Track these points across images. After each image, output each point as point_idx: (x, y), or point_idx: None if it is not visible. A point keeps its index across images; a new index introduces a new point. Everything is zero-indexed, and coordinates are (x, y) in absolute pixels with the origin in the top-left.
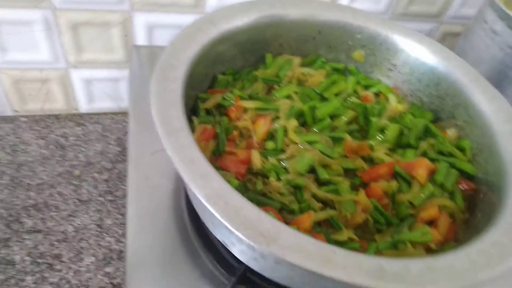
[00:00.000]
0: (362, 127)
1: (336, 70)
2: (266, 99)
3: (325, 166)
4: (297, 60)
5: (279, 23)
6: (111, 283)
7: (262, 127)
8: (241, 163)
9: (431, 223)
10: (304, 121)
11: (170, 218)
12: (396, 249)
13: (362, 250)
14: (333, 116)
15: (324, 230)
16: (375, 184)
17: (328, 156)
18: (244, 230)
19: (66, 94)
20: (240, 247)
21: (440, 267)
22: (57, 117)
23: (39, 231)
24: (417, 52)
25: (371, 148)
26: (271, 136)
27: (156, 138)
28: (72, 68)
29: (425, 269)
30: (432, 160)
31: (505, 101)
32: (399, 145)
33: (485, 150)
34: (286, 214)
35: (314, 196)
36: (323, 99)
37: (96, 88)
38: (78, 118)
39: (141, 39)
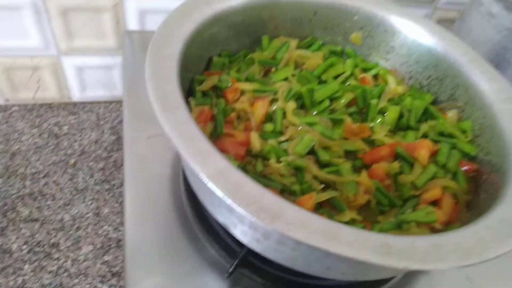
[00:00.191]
0: (361, 109)
1: (334, 52)
2: (263, 82)
3: (325, 148)
4: (294, 43)
5: (274, 3)
6: (110, 271)
7: (260, 109)
8: (240, 145)
9: (435, 204)
10: (303, 104)
11: (168, 203)
12: (400, 229)
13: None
14: (332, 99)
15: (327, 211)
16: (377, 165)
17: (328, 138)
18: (247, 206)
19: (58, 82)
20: (241, 228)
21: (447, 244)
22: (50, 106)
23: (35, 220)
24: (414, 33)
25: (371, 130)
26: (269, 118)
27: (152, 124)
28: (63, 55)
29: (432, 246)
30: (433, 141)
31: (505, 81)
32: (399, 127)
33: (487, 130)
34: (287, 196)
35: (315, 177)
36: (321, 82)
37: (89, 76)
38: (71, 107)
39: (133, 24)
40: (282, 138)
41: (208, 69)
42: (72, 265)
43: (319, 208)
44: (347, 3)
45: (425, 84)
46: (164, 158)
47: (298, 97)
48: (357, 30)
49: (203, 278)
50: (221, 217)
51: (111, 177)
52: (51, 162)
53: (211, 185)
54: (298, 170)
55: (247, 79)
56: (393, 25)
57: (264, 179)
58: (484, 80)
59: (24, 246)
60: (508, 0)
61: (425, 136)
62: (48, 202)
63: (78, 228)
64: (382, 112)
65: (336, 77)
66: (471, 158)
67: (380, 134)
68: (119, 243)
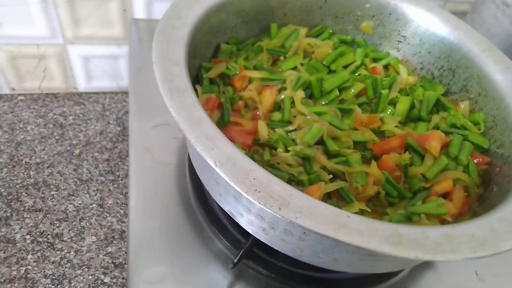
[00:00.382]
0: (371, 100)
1: (344, 42)
2: (271, 70)
3: (334, 138)
4: (303, 31)
5: None
6: (113, 262)
7: (268, 97)
8: (247, 134)
9: (445, 197)
10: (311, 94)
11: (173, 193)
12: (410, 221)
13: None
14: (341, 89)
15: (335, 202)
16: (387, 157)
17: (337, 128)
18: (255, 193)
19: (64, 72)
20: (248, 217)
21: (459, 235)
22: (55, 96)
23: (39, 210)
24: (427, 22)
25: (382, 120)
26: (277, 107)
27: (158, 114)
28: (69, 44)
29: (444, 237)
30: (445, 133)
31: None
32: (410, 118)
33: (500, 122)
34: (294, 186)
35: (324, 168)
36: (330, 71)
37: (95, 65)
38: (77, 97)
39: (140, 12)
40: (290, 128)
41: (215, 56)
42: (75, 256)
43: (327, 198)
44: None
45: (437, 75)
46: (169, 147)
47: (307, 87)
48: (368, 18)
49: (208, 269)
50: (227, 205)
51: (115, 168)
52: (56, 152)
53: (218, 170)
54: (306, 160)
55: (255, 68)
56: (406, 13)
57: (271, 168)
58: (498, 71)
59: (28, 236)
60: None
61: (436, 127)
62: (52, 193)
63: (81, 219)
64: (392, 103)
65: (345, 66)
66: (484, 151)
67: (391, 125)
68: (123, 235)
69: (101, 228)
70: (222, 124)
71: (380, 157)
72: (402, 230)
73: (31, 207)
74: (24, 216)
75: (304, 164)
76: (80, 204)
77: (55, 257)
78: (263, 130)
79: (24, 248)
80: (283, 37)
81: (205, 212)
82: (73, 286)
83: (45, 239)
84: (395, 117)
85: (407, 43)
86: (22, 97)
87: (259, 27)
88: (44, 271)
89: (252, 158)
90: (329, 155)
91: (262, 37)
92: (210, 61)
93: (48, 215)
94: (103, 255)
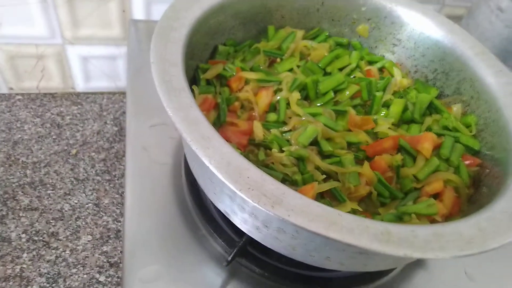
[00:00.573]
0: (366, 102)
1: (340, 44)
2: (268, 72)
3: (328, 139)
4: (300, 33)
5: None
6: (108, 262)
7: (264, 98)
8: (242, 134)
9: (436, 197)
10: (307, 95)
11: (169, 192)
12: (401, 221)
13: None
14: (336, 91)
15: (328, 201)
16: (379, 158)
17: (332, 129)
18: (248, 191)
19: (62, 72)
20: (242, 216)
21: (448, 233)
22: (53, 95)
23: (35, 209)
24: (422, 26)
25: (375, 122)
26: (273, 108)
27: (155, 114)
28: (68, 44)
29: (433, 235)
30: (437, 135)
31: (511, 74)
32: (403, 120)
33: (491, 124)
34: (288, 185)
35: (317, 168)
36: (326, 74)
37: (93, 66)
38: (75, 97)
39: (139, 13)
40: (285, 128)
41: (213, 57)
42: (70, 255)
43: (321, 198)
44: None
45: (431, 77)
46: (166, 147)
47: (302, 88)
48: (364, 22)
49: (203, 267)
50: (222, 204)
51: (112, 168)
52: (53, 151)
53: (213, 169)
54: (300, 160)
55: (252, 69)
56: (401, 17)
57: (266, 168)
58: (490, 74)
59: (23, 235)
60: None
61: (429, 129)
62: (49, 192)
63: (77, 218)
64: (386, 105)
65: (341, 69)
66: (475, 153)
67: (384, 127)
68: (118, 234)
69: (96, 228)
70: (218, 124)
71: (373, 158)
72: (392, 228)
73: (27, 206)
74: (20, 215)
75: (298, 164)
76: (76, 203)
77: (51, 256)
78: (259, 131)
79: (19, 247)
80: (280, 39)
81: (200, 212)
82: (68, 284)
83: (41, 238)
84: (389, 119)
85: (402, 46)
86: (20, 97)
87: (257, 29)
88: (39, 270)
89: (247, 158)
90: (323, 155)
91: (259, 39)
92: (207, 62)
93: (44, 214)
94: (99, 254)
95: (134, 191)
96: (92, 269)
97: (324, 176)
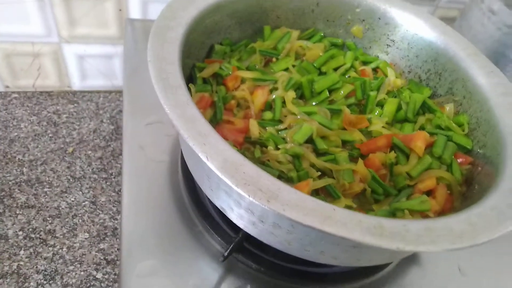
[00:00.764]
0: (360, 101)
1: (334, 45)
2: (263, 71)
3: (323, 137)
4: (295, 33)
5: None
6: (105, 259)
7: (260, 97)
8: (238, 132)
9: (429, 194)
10: (302, 94)
11: (166, 189)
12: (394, 217)
13: None
14: (331, 90)
15: (323, 198)
16: (373, 155)
17: (327, 127)
18: (244, 186)
19: (58, 70)
20: (238, 212)
21: (439, 228)
22: (49, 94)
23: (32, 207)
24: (415, 27)
25: (369, 121)
26: (269, 107)
27: (151, 112)
28: (65, 43)
29: (424, 230)
30: (430, 134)
31: (502, 75)
32: (397, 120)
33: (483, 124)
34: (284, 182)
35: (313, 165)
36: (321, 73)
37: (89, 64)
38: (71, 96)
39: (135, 13)
40: (281, 126)
41: (209, 56)
42: (67, 252)
43: (315, 195)
44: None
45: (424, 78)
46: (162, 145)
47: (297, 87)
48: (358, 23)
49: (199, 263)
50: (218, 200)
51: (108, 166)
52: (49, 149)
53: (209, 165)
54: (295, 158)
55: (248, 68)
56: (395, 18)
57: (262, 165)
58: (482, 75)
59: (20, 232)
60: None
61: (422, 128)
62: (45, 189)
63: (74, 216)
64: (380, 104)
65: (336, 69)
66: (467, 151)
67: (378, 126)
68: (115, 232)
69: (93, 225)
70: (215, 122)
71: (367, 156)
72: (385, 222)
73: (24, 203)
74: (17, 212)
75: (294, 161)
76: (73, 201)
77: (48, 253)
78: (255, 129)
79: (16, 244)
80: (276, 39)
81: (196, 208)
82: (65, 282)
83: (38, 235)
84: (383, 118)
85: (396, 47)
86: (16, 95)
87: (253, 29)
88: (37, 267)
89: (243, 155)
90: (318, 153)
91: (255, 38)
92: (203, 61)
93: (40, 212)
94: (95, 252)
95: (131, 189)
96: (89, 266)
97: (319, 173)
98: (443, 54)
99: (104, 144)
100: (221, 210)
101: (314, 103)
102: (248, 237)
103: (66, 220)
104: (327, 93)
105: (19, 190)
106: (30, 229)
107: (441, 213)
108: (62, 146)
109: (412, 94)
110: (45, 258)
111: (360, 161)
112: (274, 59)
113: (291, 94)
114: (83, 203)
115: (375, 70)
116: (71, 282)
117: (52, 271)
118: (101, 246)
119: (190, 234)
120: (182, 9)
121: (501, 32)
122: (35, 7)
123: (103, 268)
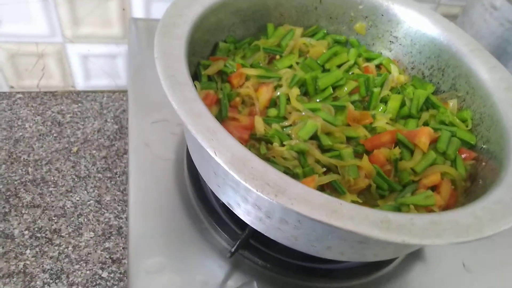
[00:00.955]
0: (364, 98)
1: (338, 42)
2: (267, 69)
3: (328, 134)
4: (299, 31)
5: None
6: (111, 258)
7: (264, 94)
8: (244, 129)
9: (433, 190)
10: (306, 91)
11: (172, 187)
12: (399, 211)
13: None
14: (335, 87)
15: (328, 193)
16: (378, 151)
17: (331, 124)
18: (252, 181)
19: (62, 70)
20: (245, 207)
21: (444, 221)
22: (53, 94)
23: (37, 206)
24: (418, 23)
25: (373, 117)
26: (273, 103)
27: (156, 110)
28: (68, 43)
29: (430, 223)
30: (434, 129)
31: (505, 70)
32: (401, 116)
33: (486, 119)
34: None
35: (318, 161)
36: (325, 70)
37: (93, 64)
38: (75, 96)
39: (139, 12)
40: (286, 123)
41: (213, 54)
42: (73, 251)
43: (321, 190)
44: None
45: (427, 74)
46: (168, 143)
47: (302, 84)
48: (361, 19)
49: (205, 260)
50: (225, 197)
51: (113, 165)
52: (54, 149)
53: (218, 159)
54: (300, 154)
55: (252, 66)
56: (397, 15)
57: (267, 161)
58: (485, 70)
59: (26, 232)
60: None
61: (425, 124)
62: (50, 189)
63: (79, 215)
64: (384, 100)
65: (339, 66)
66: (471, 146)
67: (382, 122)
68: (120, 231)
69: (98, 224)
70: (220, 119)
71: (372, 151)
72: (391, 216)
73: (30, 203)
74: (23, 212)
75: (299, 157)
76: (78, 200)
77: (53, 252)
78: (260, 125)
79: (22, 244)
80: (279, 36)
81: (202, 205)
82: (71, 280)
83: (43, 235)
84: (386, 114)
85: (399, 43)
86: (20, 95)
87: (256, 27)
88: (43, 266)
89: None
90: (323, 149)
91: (259, 36)
92: (208, 59)
93: (46, 211)
94: (101, 251)
95: (137, 187)
96: (95, 265)
97: (324, 169)
98: (446, 50)
99: (109, 144)
100: (228, 206)
101: (318, 100)
102: (254, 233)
103: (72, 219)
104: (331, 89)
105: (24, 189)
106: (36, 229)
107: (446, 208)
108: (66, 145)
109: (416, 90)
110: (51, 257)
111: (365, 157)
112: (277, 57)
113: (296, 91)
114: (88, 202)
115: (378, 66)
116: (77, 281)
117: (58, 270)
118: (107, 245)
119: (197, 231)
120: (187, 7)
121: (504, 28)
122: (39, 7)
123: (108, 267)
